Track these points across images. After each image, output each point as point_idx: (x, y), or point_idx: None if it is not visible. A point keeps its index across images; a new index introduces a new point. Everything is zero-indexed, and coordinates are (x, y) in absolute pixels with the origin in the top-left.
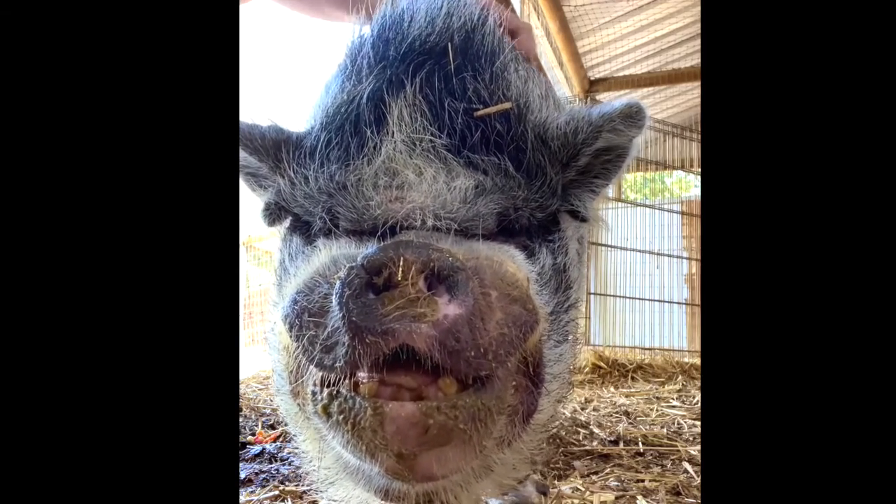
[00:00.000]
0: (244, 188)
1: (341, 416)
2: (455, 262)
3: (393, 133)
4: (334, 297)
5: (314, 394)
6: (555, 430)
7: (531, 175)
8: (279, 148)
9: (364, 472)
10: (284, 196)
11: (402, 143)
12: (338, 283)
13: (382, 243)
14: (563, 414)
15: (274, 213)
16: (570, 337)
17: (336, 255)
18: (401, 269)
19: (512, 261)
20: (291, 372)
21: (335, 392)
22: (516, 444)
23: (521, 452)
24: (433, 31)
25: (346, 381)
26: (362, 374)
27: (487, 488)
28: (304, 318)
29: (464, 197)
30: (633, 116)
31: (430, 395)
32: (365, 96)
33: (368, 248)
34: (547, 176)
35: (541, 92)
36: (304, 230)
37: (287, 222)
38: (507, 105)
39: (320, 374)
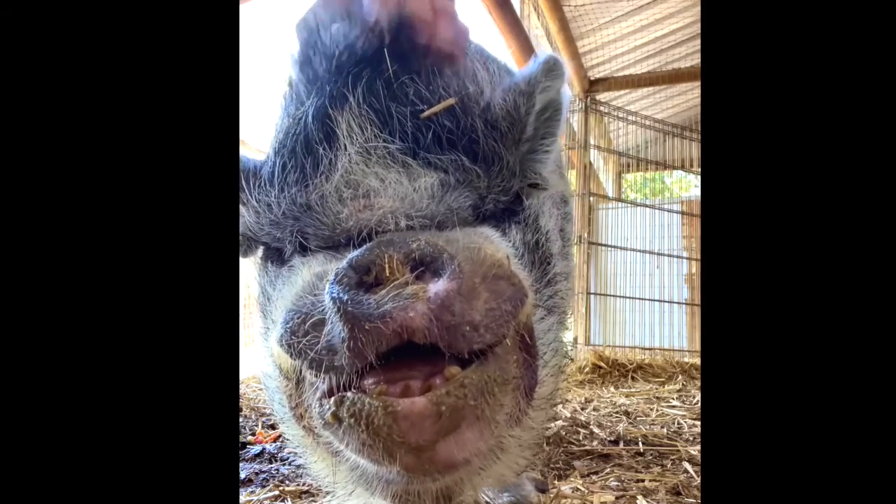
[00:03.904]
0: None
1: (353, 419)
2: (436, 247)
3: (345, 146)
4: (326, 297)
5: (321, 404)
6: (556, 419)
7: (489, 163)
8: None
9: (381, 478)
10: (251, 227)
11: (357, 154)
12: (328, 284)
13: (365, 245)
14: (563, 414)
15: (244, 245)
16: (557, 310)
17: (318, 271)
18: (387, 264)
19: (489, 242)
20: (291, 395)
21: (343, 397)
22: (524, 420)
23: (530, 430)
24: (363, 38)
25: (353, 379)
26: (367, 381)
27: (500, 473)
28: (301, 330)
29: (430, 194)
30: (553, 69)
31: (436, 385)
32: (310, 115)
33: (352, 253)
34: (504, 159)
35: (481, 78)
36: (276, 257)
37: (259, 252)
38: (450, 101)
39: (324, 386)
